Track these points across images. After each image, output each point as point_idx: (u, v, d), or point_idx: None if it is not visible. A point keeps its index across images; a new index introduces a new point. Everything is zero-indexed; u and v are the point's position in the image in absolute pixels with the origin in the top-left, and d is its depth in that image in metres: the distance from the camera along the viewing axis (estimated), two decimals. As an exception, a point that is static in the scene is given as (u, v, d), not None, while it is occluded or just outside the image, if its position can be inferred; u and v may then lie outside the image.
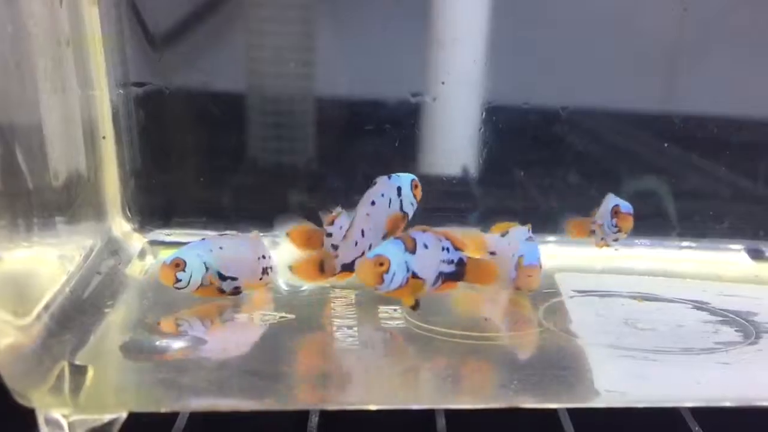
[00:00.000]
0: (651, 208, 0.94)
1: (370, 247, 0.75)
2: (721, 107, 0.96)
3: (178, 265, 0.72)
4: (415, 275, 0.69)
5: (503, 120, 0.94)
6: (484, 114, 0.94)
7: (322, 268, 0.78)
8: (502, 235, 0.81)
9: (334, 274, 0.77)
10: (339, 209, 0.79)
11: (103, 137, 0.88)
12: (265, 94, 0.96)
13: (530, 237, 0.81)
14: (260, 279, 0.78)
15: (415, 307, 0.72)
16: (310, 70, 0.94)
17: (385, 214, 0.77)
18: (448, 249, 0.71)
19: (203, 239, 0.77)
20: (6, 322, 0.59)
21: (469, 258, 0.73)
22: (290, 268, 0.78)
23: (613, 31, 0.94)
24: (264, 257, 0.78)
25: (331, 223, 0.78)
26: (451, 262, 0.71)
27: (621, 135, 0.98)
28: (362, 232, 0.76)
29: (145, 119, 0.91)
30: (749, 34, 0.94)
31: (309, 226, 0.80)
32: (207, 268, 0.73)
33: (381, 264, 0.66)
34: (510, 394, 0.65)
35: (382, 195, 0.77)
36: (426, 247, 0.69)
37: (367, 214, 0.77)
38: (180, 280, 0.72)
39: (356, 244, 0.76)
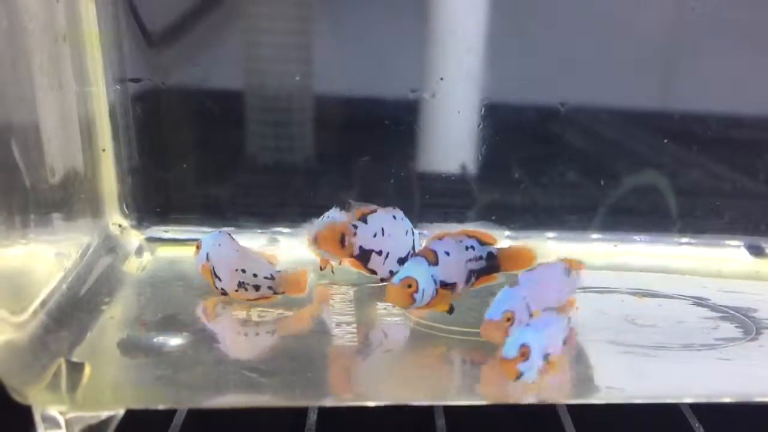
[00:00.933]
0: (650, 204, 0.94)
1: (384, 254, 0.76)
2: (720, 104, 0.96)
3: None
4: (444, 284, 0.70)
5: (502, 116, 0.94)
6: (483, 110, 0.93)
7: (343, 242, 0.76)
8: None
9: (352, 254, 0.77)
10: (373, 207, 0.78)
11: (103, 150, 0.88)
12: (263, 92, 0.96)
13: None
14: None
15: (451, 311, 0.72)
16: (307, 67, 0.94)
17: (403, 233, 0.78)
18: (473, 247, 0.72)
19: None
20: (1, 319, 0.59)
21: (500, 249, 0.74)
22: (314, 236, 0.76)
23: (613, 28, 0.94)
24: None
25: (360, 217, 0.77)
26: (480, 258, 0.72)
27: (619, 131, 0.97)
28: (383, 230, 0.77)
29: (143, 116, 0.91)
30: (748, 30, 0.94)
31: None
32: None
33: (409, 286, 0.68)
34: (508, 391, 0.65)
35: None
36: (448, 254, 0.70)
37: (394, 217, 0.78)
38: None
39: (374, 235, 0.76)
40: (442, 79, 0.92)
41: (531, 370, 0.61)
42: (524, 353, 0.60)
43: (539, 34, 0.93)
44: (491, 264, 0.74)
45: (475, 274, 0.73)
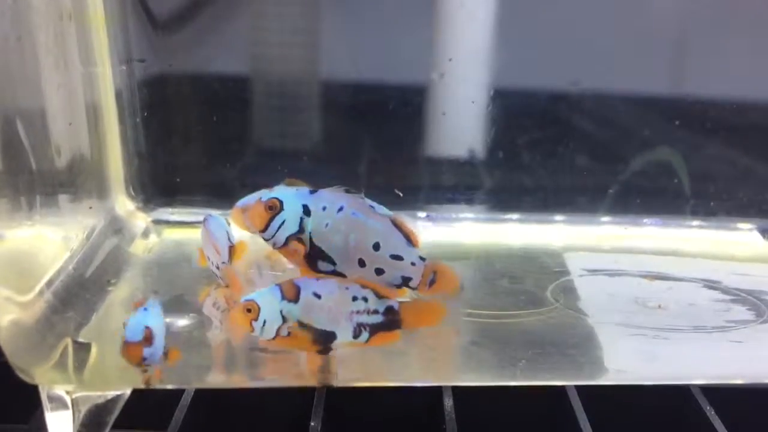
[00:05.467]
0: (661, 186, 0.93)
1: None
2: (733, 88, 0.94)
3: None
4: (308, 327, 0.63)
5: (511, 98, 0.93)
6: (492, 92, 0.92)
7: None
8: None
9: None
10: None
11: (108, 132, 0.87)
12: (270, 75, 0.95)
13: None
14: None
15: (323, 352, 0.65)
16: (314, 50, 0.93)
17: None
18: (365, 299, 0.64)
19: None
20: (8, 298, 0.59)
21: (402, 303, 0.65)
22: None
23: (624, 10, 0.92)
24: None
25: None
26: (375, 311, 0.64)
27: (631, 115, 0.96)
28: None
29: (149, 98, 0.90)
30: (762, 14, 0.93)
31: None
32: None
33: (249, 310, 0.62)
34: (517, 372, 0.65)
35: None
36: (318, 297, 0.63)
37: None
38: None
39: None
40: (450, 59, 0.91)
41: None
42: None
43: (549, 15, 0.92)
44: (390, 319, 0.64)
45: (368, 329, 0.64)
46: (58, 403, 0.61)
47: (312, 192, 0.66)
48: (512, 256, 0.88)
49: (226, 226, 0.74)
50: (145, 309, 0.63)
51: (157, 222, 0.90)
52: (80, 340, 0.64)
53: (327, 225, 0.65)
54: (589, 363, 0.67)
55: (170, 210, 0.91)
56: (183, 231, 0.89)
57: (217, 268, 0.71)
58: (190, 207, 0.91)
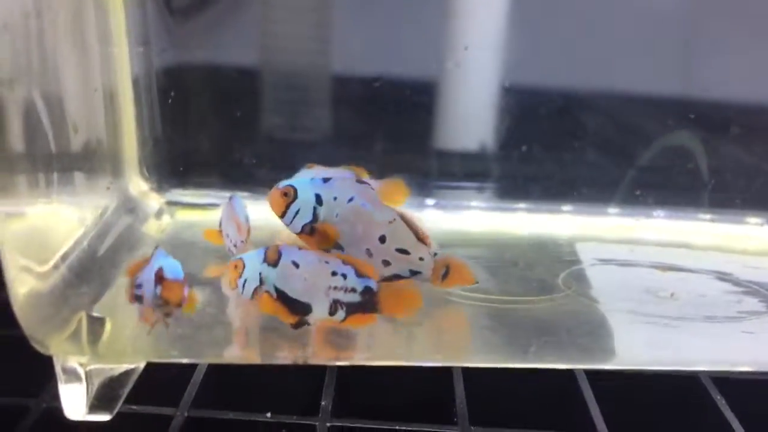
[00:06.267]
0: (674, 178, 0.92)
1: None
2: (742, 89, 0.94)
3: None
4: (288, 298, 0.63)
5: (523, 92, 0.93)
6: (506, 84, 0.92)
7: None
8: None
9: None
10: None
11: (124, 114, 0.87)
12: (282, 65, 0.95)
13: None
14: None
15: (297, 326, 0.64)
16: (327, 41, 0.93)
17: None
18: (344, 275, 0.63)
19: None
20: (26, 268, 0.59)
21: (382, 284, 0.64)
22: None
23: (633, 10, 0.92)
24: None
25: None
26: (353, 290, 0.63)
27: (638, 114, 0.96)
28: None
29: (165, 81, 0.90)
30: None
31: None
32: None
33: (235, 267, 0.64)
34: (528, 355, 0.65)
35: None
36: (296, 265, 0.63)
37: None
38: None
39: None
40: (466, 48, 0.91)
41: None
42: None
43: (564, 9, 0.92)
44: (368, 300, 0.63)
45: (344, 308, 0.63)
46: (72, 375, 0.61)
47: (325, 181, 0.67)
48: (522, 244, 0.88)
49: (246, 208, 0.75)
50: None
51: (171, 203, 0.90)
52: (95, 314, 0.65)
53: (337, 215, 0.66)
54: (600, 348, 0.67)
55: (183, 192, 0.91)
56: (196, 213, 0.89)
57: (235, 246, 0.71)
58: (204, 189, 0.91)
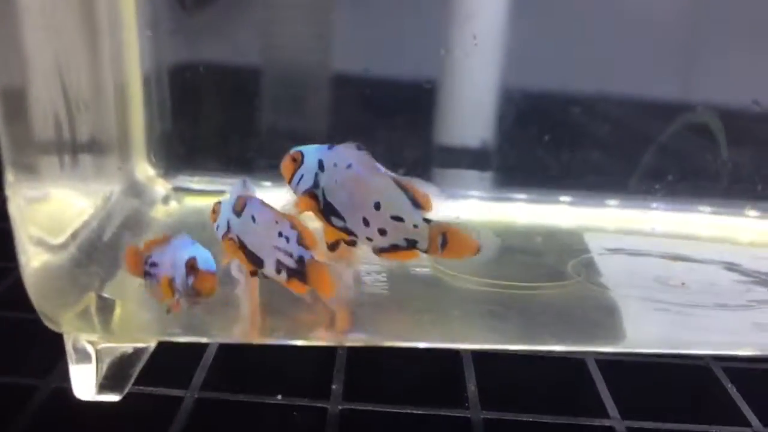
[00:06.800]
0: (680, 172, 0.92)
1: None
2: (741, 94, 0.94)
3: None
4: (242, 243, 0.64)
5: (522, 98, 0.93)
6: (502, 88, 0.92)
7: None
8: None
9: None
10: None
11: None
12: (285, 62, 0.95)
13: None
14: None
15: (252, 274, 0.65)
16: (328, 38, 0.94)
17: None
18: (287, 238, 0.63)
19: None
20: (39, 239, 0.59)
21: (312, 260, 0.63)
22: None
23: (634, 16, 0.92)
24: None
25: None
26: (291, 255, 0.63)
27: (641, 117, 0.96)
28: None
29: (173, 67, 0.90)
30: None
31: None
32: None
33: (214, 211, 0.67)
34: (538, 338, 0.65)
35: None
36: (254, 220, 0.64)
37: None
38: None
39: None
40: (475, 37, 0.91)
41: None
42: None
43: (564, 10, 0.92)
44: (300, 270, 0.63)
45: (286, 270, 0.63)
46: (82, 354, 0.61)
47: (330, 148, 0.66)
48: (531, 234, 0.88)
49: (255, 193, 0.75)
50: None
51: (178, 189, 0.90)
52: (105, 295, 0.64)
53: (336, 181, 0.64)
54: (611, 334, 0.67)
55: (190, 178, 0.91)
56: (203, 199, 0.89)
57: None
58: (211, 176, 0.91)
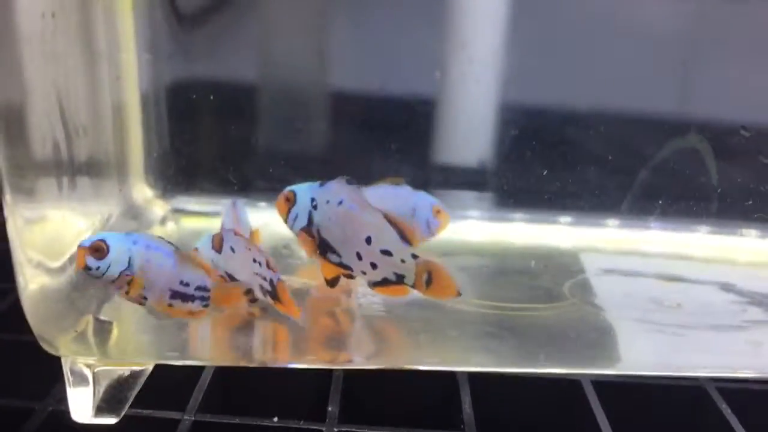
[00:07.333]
0: (675, 192, 0.93)
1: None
2: (738, 109, 0.95)
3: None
4: (230, 275, 0.67)
5: (522, 110, 0.93)
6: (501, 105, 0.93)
7: None
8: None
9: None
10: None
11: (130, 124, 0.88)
12: (282, 81, 0.96)
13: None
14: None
15: (251, 301, 0.68)
16: (324, 56, 0.94)
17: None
18: (260, 263, 0.66)
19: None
20: (38, 263, 0.59)
21: (280, 282, 0.66)
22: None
23: (630, 31, 0.93)
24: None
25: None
26: (266, 279, 0.66)
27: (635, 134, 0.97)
28: None
29: (171, 88, 0.91)
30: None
31: None
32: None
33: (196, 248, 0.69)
34: (535, 361, 0.65)
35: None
36: (233, 250, 0.68)
37: None
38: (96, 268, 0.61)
39: None
40: (470, 61, 0.91)
41: (105, 269, 0.60)
42: (98, 248, 0.60)
43: (562, 26, 0.93)
44: (274, 294, 0.66)
45: (266, 293, 0.66)
46: (80, 377, 0.61)
47: (321, 185, 0.68)
48: (527, 255, 0.88)
49: (247, 213, 0.76)
50: (127, 235, 0.63)
51: (176, 211, 0.90)
52: (102, 317, 0.65)
53: (329, 218, 0.66)
54: (606, 356, 0.68)
55: (188, 199, 0.91)
56: (200, 220, 0.89)
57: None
58: (208, 197, 0.91)
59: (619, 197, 0.91)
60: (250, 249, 0.67)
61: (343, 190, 0.66)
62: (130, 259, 0.61)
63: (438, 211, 0.77)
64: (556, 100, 0.95)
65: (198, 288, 0.64)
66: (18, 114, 0.63)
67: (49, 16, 0.66)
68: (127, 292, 0.62)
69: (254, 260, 0.66)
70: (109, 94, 0.84)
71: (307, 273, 0.76)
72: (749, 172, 0.93)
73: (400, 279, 0.66)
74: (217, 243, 0.68)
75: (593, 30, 0.93)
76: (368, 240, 0.65)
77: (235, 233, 0.68)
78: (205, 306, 0.64)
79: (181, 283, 0.63)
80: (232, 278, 0.67)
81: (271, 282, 0.65)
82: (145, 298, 0.62)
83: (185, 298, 0.63)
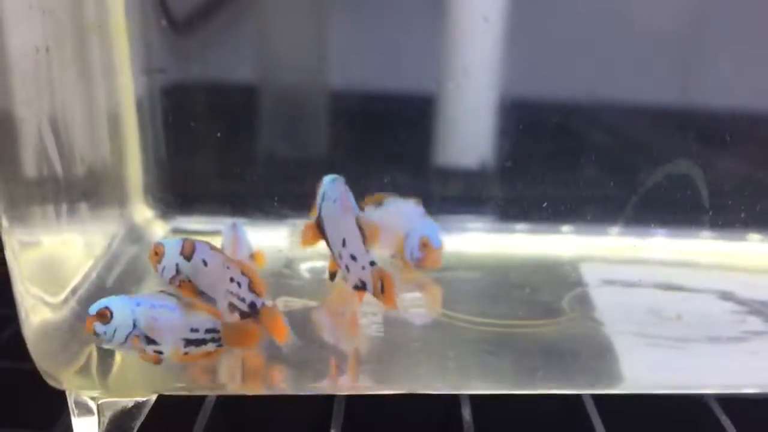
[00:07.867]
0: (677, 198, 0.93)
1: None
2: (743, 100, 0.95)
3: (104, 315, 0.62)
4: (191, 282, 0.67)
5: (522, 110, 0.93)
6: (502, 103, 0.93)
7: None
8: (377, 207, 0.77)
9: None
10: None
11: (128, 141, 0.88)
12: (281, 84, 0.96)
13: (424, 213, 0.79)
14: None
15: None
16: (324, 60, 0.94)
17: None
18: (239, 284, 0.66)
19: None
20: (38, 298, 0.60)
21: (265, 306, 0.65)
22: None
23: (632, 23, 0.93)
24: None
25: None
26: (244, 300, 0.65)
27: (640, 129, 0.97)
28: None
29: (168, 108, 0.91)
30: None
31: None
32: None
33: (156, 253, 0.67)
34: (535, 380, 0.65)
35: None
36: (205, 264, 0.67)
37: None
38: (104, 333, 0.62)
39: None
40: (465, 70, 0.91)
41: (112, 333, 0.60)
42: (102, 314, 0.60)
43: (560, 27, 0.92)
44: (252, 314, 0.65)
45: (238, 313, 0.65)
46: (84, 409, 0.62)
47: (333, 180, 0.69)
48: (526, 266, 0.88)
49: (246, 234, 0.76)
50: (131, 298, 0.63)
51: (176, 231, 0.90)
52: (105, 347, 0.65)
53: (327, 215, 0.68)
54: (606, 372, 0.68)
55: (189, 219, 0.92)
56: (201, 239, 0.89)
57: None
58: (209, 216, 0.92)
59: (616, 207, 0.91)
60: (228, 267, 0.66)
61: (341, 190, 0.68)
62: (134, 321, 0.62)
63: (425, 244, 0.77)
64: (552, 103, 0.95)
65: (207, 330, 0.64)
66: (12, 144, 0.63)
67: (43, 50, 0.66)
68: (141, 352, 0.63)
69: (232, 279, 0.66)
70: (106, 117, 0.84)
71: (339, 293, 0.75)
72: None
73: (363, 285, 0.67)
74: (188, 250, 0.67)
75: (595, 30, 0.92)
76: (344, 242, 0.67)
77: (212, 248, 0.68)
78: (219, 346, 0.65)
79: (192, 330, 0.64)
80: (202, 293, 0.67)
81: (252, 304, 0.65)
82: (161, 353, 0.63)
83: (198, 343, 0.64)
